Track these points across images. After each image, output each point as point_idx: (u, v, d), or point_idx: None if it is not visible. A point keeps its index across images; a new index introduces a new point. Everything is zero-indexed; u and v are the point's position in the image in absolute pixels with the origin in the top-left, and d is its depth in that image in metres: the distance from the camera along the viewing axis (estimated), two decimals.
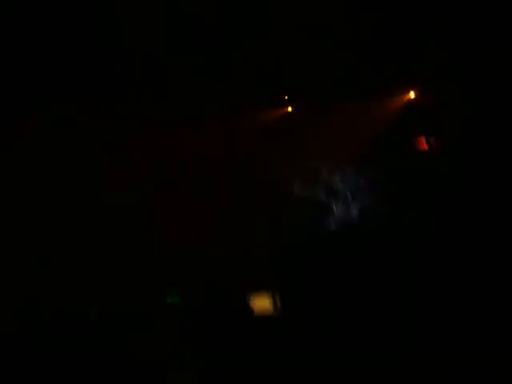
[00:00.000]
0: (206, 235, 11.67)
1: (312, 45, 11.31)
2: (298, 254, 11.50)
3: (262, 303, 10.95)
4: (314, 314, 10.58)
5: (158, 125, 11.78)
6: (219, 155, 11.97)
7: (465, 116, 11.41)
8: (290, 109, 12.26)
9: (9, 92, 11.19)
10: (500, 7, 10.88)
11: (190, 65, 11.41)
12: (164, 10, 10.93)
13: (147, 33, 10.97)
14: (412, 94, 11.91)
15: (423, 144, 11.84)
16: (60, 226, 11.54)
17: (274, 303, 10.99)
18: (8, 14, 10.72)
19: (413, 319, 9.96)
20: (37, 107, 11.34)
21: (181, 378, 9.46)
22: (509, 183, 11.09)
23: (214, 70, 11.48)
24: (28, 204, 11.44)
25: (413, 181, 11.71)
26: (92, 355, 9.72)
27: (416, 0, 11.15)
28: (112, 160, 11.77)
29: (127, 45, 11.12)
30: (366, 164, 11.90)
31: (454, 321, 9.87)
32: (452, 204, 11.33)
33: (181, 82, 11.52)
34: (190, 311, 10.87)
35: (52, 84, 11.26)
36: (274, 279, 11.24)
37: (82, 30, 11.00)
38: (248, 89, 11.62)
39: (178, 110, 11.62)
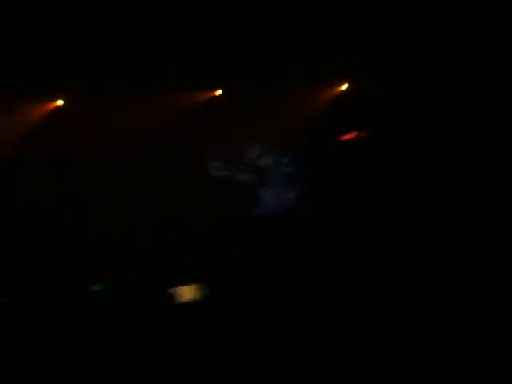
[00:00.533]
0: (129, 220, 11.41)
1: (249, 31, 11.20)
2: (223, 241, 11.42)
3: (186, 294, 10.82)
4: (238, 304, 10.50)
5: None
6: (146, 134, 11.63)
7: (389, 109, 11.75)
8: (219, 92, 12.10)
9: None
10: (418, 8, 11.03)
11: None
12: None
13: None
14: (342, 87, 12.10)
15: (350, 134, 11.95)
16: None
17: (199, 294, 10.88)
18: None
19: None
20: None
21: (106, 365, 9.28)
22: (427, 174, 11.50)
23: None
24: None
25: (338, 169, 11.84)
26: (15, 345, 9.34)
27: None
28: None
29: None
30: (293, 150, 11.94)
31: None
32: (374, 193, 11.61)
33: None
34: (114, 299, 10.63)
35: None
36: (198, 268, 11.12)
37: None
38: (181, 70, 11.39)
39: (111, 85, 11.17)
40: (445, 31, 11.16)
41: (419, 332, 8.70)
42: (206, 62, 11.38)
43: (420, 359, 8.12)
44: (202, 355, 8.96)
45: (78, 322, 9.84)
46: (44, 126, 11.52)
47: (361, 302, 9.47)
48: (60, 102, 11.59)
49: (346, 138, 11.95)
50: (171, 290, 10.67)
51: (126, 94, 11.30)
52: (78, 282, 10.65)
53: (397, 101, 11.79)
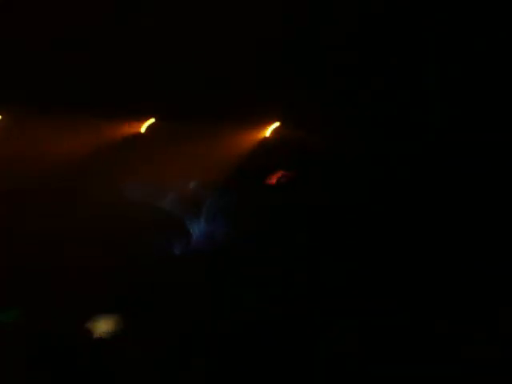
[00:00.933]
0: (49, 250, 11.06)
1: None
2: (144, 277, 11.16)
3: (105, 326, 10.49)
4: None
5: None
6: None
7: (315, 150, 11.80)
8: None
9: None
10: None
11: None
12: None
13: None
14: (269, 129, 12.16)
15: (274, 177, 11.94)
16: None
17: (118, 326, 10.56)
18: None
19: None
20: None
21: None
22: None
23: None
24: None
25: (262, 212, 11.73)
26: None
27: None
28: None
29: None
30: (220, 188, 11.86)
31: None
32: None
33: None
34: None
35: None
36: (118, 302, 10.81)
37: None
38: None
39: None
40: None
41: None
42: (137, 93, 11.30)
43: None
44: None
45: None
46: None
47: None
48: None
49: (273, 178, 11.93)
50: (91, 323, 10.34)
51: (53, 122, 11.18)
52: None
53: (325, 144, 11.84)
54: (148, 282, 11.06)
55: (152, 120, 11.98)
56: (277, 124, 12.15)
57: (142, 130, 12.00)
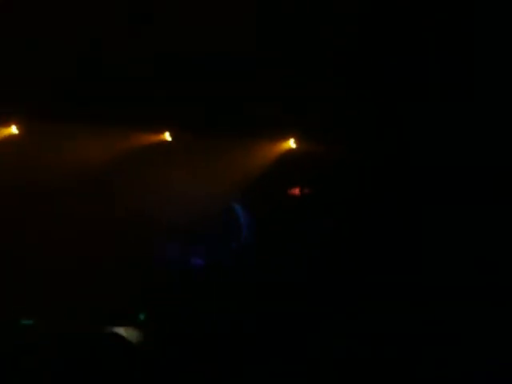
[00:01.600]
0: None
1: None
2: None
3: (126, 334, 10.57)
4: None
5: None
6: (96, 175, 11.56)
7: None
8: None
9: None
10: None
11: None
12: None
13: None
14: (291, 142, 12.04)
15: (296, 190, 11.91)
16: None
17: (139, 335, 10.64)
18: None
19: None
20: None
21: None
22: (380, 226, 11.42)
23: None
24: None
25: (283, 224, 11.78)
26: None
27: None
28: None
29: None
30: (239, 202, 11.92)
31: None
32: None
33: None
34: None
35: None
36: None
37: None
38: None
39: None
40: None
41: None
42: (156, 105, 11.35)
43: None
44: None
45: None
46: None
47: None
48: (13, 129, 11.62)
49: (296, 190, 11.91)
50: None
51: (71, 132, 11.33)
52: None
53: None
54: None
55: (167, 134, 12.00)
56: (294, 138, 12.04)
57: (168, 137, 12.03)
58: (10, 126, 11.64)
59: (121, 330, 10.16)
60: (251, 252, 11.88)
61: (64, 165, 11.43)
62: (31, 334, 10.35)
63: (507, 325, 9.90)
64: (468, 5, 10.47)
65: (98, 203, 11.53)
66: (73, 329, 10.35)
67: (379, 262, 11.08)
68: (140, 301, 11.18)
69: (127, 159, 11.71)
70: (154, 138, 11.98)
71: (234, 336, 10.13)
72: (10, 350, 9.27)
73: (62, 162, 11.45)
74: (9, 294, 10.86)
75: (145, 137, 11.91)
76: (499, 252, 10.72)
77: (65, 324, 10.62)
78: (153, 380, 9.10)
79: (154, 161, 11.77)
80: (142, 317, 10.98)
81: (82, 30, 10.78)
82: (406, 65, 10.96)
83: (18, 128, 11.65)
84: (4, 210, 11.22)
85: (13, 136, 11.64)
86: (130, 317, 10.76)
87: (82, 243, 11.33)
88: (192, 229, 11.78)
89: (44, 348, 9.79)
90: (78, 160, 11.50)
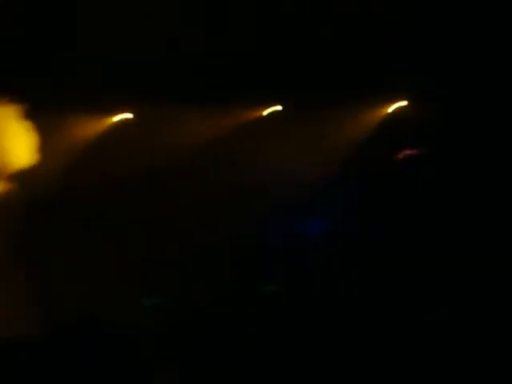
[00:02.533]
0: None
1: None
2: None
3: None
4: None
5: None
6: (198, 150, 11.79)
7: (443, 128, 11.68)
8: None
9: None
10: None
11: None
12: None
13: None
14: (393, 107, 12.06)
15: (402, 153, 11.92)
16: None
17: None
18: None
19: None
20: None
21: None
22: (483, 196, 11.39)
23: None
24: None
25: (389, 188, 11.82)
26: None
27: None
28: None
29: None
30: (344, 169, 11.90)
31: None
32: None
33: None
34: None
35: None
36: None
37: None
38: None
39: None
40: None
41: None
42: (263, 78, 11.55)
43: None
44: None
45: None
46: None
47: None
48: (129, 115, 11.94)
49: (400, 156, 11.92)
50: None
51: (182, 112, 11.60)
52: None
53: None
54: None
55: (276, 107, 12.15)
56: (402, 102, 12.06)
57: (264, 113, 12.19)
58: (122, 112, 11.95)
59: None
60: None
61: (175, 146, 11.73)
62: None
63: None
64: None
65: (210, 181, 11.79)
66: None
67: None
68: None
69: (234, 135, 11.89)
70: (259, 113, 12.12)
71: None
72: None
73: (174, 143, 11.73)
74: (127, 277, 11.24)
75: (250, 112, 12.08)
76: None
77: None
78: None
79: (260, 135, 11.90)
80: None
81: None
82: None
83: (131, 113, 11.95)
84: (123, 193, 11.59)
85: (126, 121, 11.96)
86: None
87: (196, 221, 11.66)
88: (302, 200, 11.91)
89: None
90: (189, 140, 11.76)
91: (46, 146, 10.62)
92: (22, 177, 10.61)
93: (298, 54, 11.49)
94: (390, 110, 12.03)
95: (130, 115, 11.90)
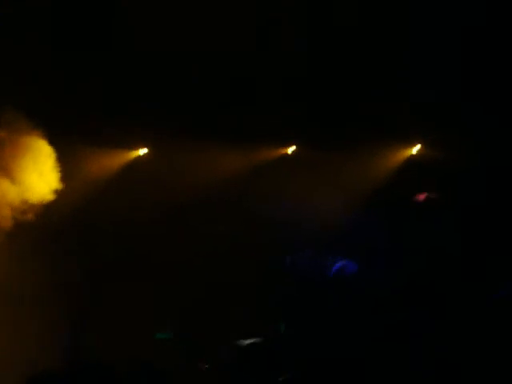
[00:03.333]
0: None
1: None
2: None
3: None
4: None
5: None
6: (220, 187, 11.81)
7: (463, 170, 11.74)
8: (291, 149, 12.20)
9: None
10: None
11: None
12: None
13: None
14: (414, 149, 12.13)
15: (422, 196, 11.92)
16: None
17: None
18: None
19: None
20: None
21: None
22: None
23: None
24: None
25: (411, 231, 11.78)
26: None
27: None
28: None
29: None
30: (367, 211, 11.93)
31: None
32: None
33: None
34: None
35: None
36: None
37: None
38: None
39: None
40: None
41: None
42: (279, 117, 11.58)
43: None
44: None
45: None
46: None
47: None
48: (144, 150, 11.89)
49: (418, 199, 11.88)
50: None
51: (200, 148, 11.55)
52: None
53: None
54: None
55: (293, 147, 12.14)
56: (418, 145, 12.12)
57: (289, 151, 12.17)
58: (140, 147, 11.91)
59: (259, 341, 10.40)
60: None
61: (194, 181, 11.70)
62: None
63: None
64: None
65: (231, 216, 11.81)
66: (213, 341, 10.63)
67: None
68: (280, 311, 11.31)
69: (257, 171, 11.96)
70: (280, 151, 12.11)
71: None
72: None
73: (192, 178, 11.67)
74: (145, 308, 11.14)
75: (269, 151, 12.04)
76: None
77: (203, 337, 10.91)
78: None
79: (281, 172, 11.99)
80: (282, 327, 11.10)
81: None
82: None
83: (148, 148, 11.93)
84: (144, 226, 11.56)
85: (144, 156, 11.93)
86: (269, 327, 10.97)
87: (216, 255, 11.68)
88: (324, 238, 11.84)
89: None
90: (207, 175, 11.71)
91: (66, 179, 10.50)
92: (41, 209, 10.49)
93: (324, 95, 11.57)
94: (413, 151, 12.12)
95: (148, 149, 11.90)
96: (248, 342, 10.12)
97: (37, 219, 10.39)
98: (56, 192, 10.38)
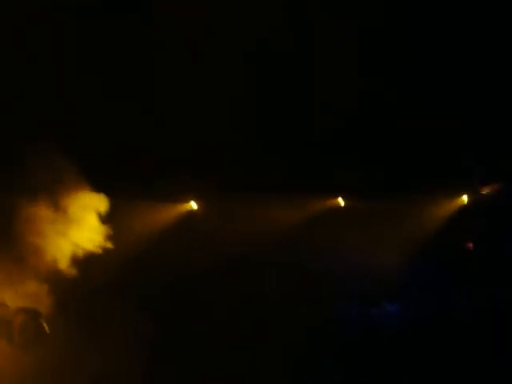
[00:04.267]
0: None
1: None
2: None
3: None
4: None
5: None
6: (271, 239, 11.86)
7: None
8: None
9: None
10: None
11: None
12: None
13: None
14: (464, 199, 12.11)
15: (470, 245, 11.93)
16: None
17: None
18: None
19: None
20: None
21: None
22: None
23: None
24: None
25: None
26: None
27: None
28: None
29: None
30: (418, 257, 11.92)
31: None
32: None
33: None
34: None
35: None
36: None
37: None
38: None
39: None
40: None
41: None
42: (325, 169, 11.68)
43: None
44: None
45: None
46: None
47: None
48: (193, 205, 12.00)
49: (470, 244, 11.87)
50: None
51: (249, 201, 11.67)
52: None
53: None
54: None
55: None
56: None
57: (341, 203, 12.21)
58: (189, 201, 12.00)
59: None
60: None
61: (244, 234, 11.74)
62: None
63: None
64: None
65: (281, 267, 11.87)
66: None
67: None
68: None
69: (309, 224, 11.98)
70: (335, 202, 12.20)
71: None
72: None
73: (242, 231, 11.71)
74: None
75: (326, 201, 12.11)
76: None
77: None
78: None
79: (336, 224, 12.01)
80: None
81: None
82: None
83: (196, 203, 12.04)
84: (197, 279, 11.67)
85: (192, 211, 12.04)
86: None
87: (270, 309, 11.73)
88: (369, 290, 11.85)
89: None
90: (257, 229, 11.77)
91: (115, 233, 10.66)
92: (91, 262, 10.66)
93: (377, 144, 11.64)
94: (464, 199, 12.10)
95: (200, 202, 12.01)
96: None
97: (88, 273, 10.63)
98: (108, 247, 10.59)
